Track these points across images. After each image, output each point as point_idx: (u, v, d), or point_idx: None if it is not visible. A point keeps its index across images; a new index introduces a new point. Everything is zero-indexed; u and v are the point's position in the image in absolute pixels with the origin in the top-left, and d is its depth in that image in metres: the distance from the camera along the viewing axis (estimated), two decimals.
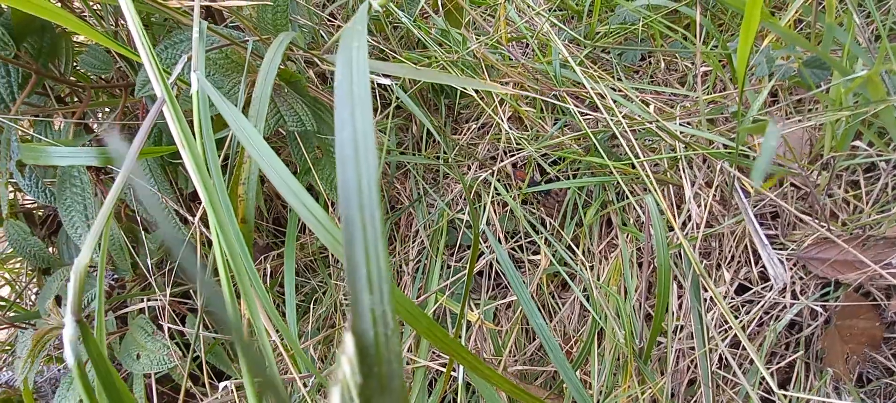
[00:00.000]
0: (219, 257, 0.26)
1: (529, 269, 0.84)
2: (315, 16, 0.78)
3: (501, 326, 0.82)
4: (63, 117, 0.75)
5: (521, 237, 0.85)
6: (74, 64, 0.74)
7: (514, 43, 0.95)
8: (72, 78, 0.70)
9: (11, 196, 0.93)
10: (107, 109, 0.86)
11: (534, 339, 0.83)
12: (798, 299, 0.74)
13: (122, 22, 0.63)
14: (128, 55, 0.35)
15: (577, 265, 0.77)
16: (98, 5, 0.64)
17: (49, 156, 0.40)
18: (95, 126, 0.83)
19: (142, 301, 0.72)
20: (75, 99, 0.78)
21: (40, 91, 0.72)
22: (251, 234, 0.34)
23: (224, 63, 0.48)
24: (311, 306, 0.88)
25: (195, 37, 0.33)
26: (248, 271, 0.29)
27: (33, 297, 1.12)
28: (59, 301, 0.62)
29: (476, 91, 0.67)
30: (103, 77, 0.80)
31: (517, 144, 0.72)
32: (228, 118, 0.31)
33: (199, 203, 0.89)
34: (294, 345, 0.31)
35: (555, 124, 0.82)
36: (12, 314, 0.86)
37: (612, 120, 0.70)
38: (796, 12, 0.74)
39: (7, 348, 1.08)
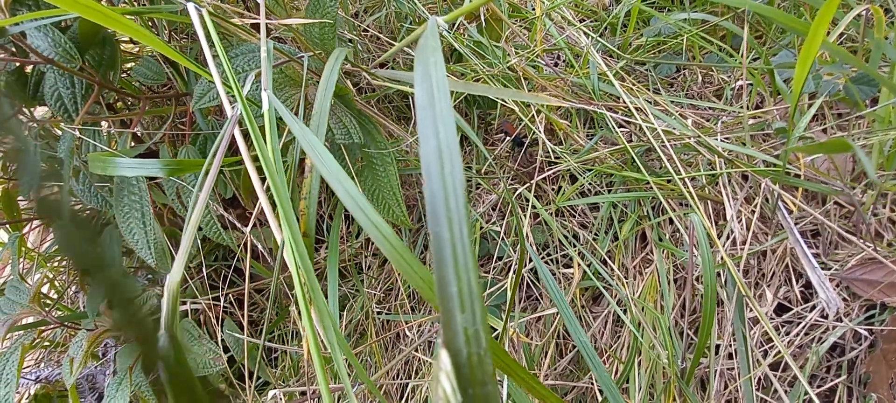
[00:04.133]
0: (294, 272, 0.27)
1: (561, 282, 0.84)
2: (352, 27, 0.80)
3: (532, 339, 0.82)
4: (112, 125, 0.78)
5: (552, 250, 0.84)
6: (123, 73, 0.76)
7: (546, 53, 0.95)
8: (120, 87, 0.73)
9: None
10: (152, 118, 0.89)
11: (565, 354, 0.82)
12: (842, 321, 0.72)
13: (176, 35, 0.66)
14: (198, 71, 0.37)
15: (612, 279, 0.76)
16: (152, 20, 0.67)
17: (117, 166, 0.42)
18: (139, 131, 0.86)
19: (184, 302, 0.74)
20: (122, 105, 0.81)
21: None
22: (312, 247, 0.35)
23: (279, 78, 0.50)
24: (343, 312, 0.89)
25: (263, 56, 0.35)
26: (313, 284, 0.30)
27: (73, 295, 1.15)
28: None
29: (516, 102, 0.67)
30: (150, 86, 0.83)
31: (556, 156, 0.72)
32: (300, 137, 0.31)
33: (236, 208, 0.91)
34: (350, 357, 0.32)
35: (588, 136, 0.82)
36: (58, 313, 0.89)
37: (651, 134, 0.69)
38: (843, 27, 0.72)
39: (46, 344, 1.12)
